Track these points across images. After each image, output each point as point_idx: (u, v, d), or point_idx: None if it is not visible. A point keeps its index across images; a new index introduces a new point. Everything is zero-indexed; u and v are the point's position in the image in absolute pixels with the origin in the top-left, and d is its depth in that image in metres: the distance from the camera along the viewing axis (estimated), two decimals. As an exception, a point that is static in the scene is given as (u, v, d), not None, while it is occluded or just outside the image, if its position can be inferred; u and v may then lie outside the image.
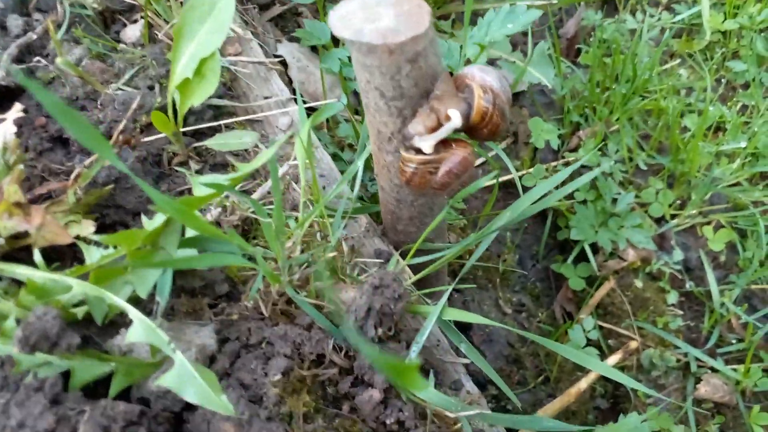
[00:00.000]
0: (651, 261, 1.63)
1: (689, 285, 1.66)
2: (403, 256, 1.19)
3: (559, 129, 1.84)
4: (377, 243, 1.18)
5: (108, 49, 1.28)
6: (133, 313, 0.79)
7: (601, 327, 1.59)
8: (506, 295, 1.73)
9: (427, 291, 1.08)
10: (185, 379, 0.74)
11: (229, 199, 1.06)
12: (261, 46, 1.46)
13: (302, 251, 1.02)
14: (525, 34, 2.21)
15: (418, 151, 0.84)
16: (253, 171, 0.93)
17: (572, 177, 1.71)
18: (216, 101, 1.26)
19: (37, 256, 0.85)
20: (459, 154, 0.86)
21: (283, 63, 1.74)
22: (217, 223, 1.06)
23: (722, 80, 2.06)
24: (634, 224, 1.63)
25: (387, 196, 1.07)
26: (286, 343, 0.90)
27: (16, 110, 1.12)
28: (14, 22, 1.26)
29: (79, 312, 0.84)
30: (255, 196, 1.10)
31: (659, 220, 1.75)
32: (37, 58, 1.25)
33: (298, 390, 0.87)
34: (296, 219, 1.06)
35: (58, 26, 1.27)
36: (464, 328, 1.61)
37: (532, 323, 1.68)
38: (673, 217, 1.73)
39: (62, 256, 0.98)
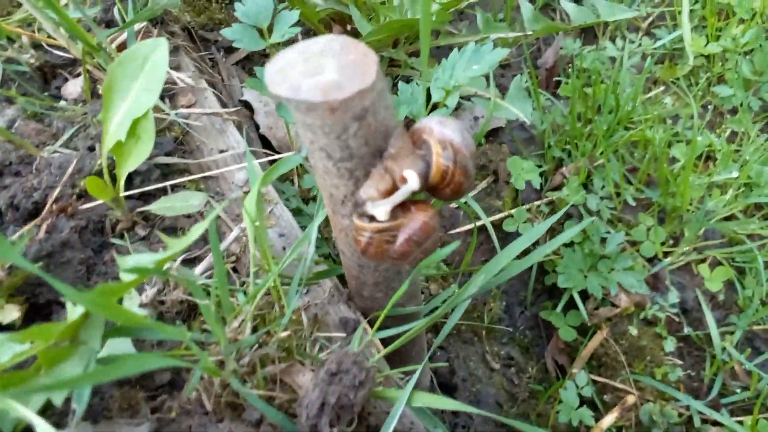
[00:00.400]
0: (645, 306, 1.52)
1: (687, 330, 1.55)
2: (372, 322, 1.09)
3: (540, 166, 1.75)
4: (343, 310, 1.07)
5: (46, 108, 1.18)
6: (41, 427, 0.67)
7: (595, 381, 1.48)
8: (494, 349, 1.61)
9: (400, 369, 0.97)
10: None
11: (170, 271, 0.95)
12: (217, 96, 1.37)
13: (255, 329, 0.91)
14: (504, 66, 2.14)
15: (372, 218, 0.74)
16: (189, 245, 0.82)
17: (559, 221, 1.62)
18: (164, 159, 1.16)
19: (-62, 359, 0.74)
20: (419, 219, 0.75)
21: (250, 108, 1.66)
22: (161, 302, 0.95)
23: (709, 106, 1.99)
24: (625, 267, 1.53)
25: (348, 261, 0.96)
26: (232, 443, 0.79)
27: (-62, 180, 1.01)
28: (-58, 82, 1.16)
29: (-14, 422, 0.72)
30: (200, 268, 1.00)
31: (652, 260, 1.65)
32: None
33: (246, 500, 0.75)
34: (245, 292, 0.95)
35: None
36: (449, 387, 1.50)
37: (522, 379, 1.56)
38: (666, 255, 1.64)
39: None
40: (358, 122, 0.71)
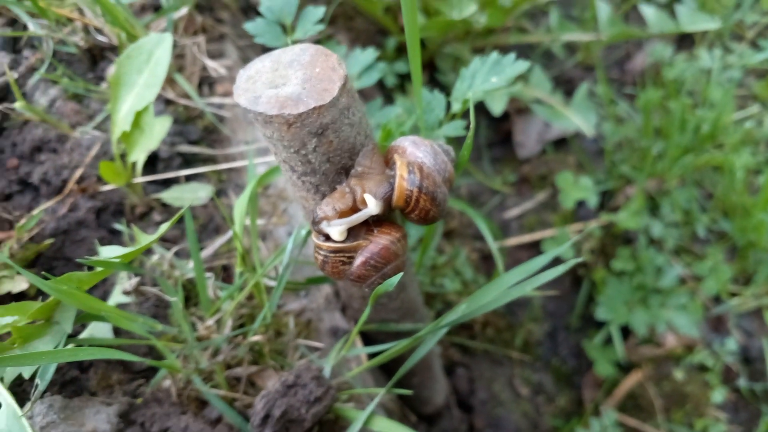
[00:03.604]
0: (696, 349, 1.43)
1: (744, 382, 1.44)
2: (364, 334, 1.11)
3: (602, 183, 1.68)
4: (336, 319, 1.11)
5: (86, 89, 1.29)
6: (3, 396, 0.76)
7: (624, 424, 1.42)
8: (524, 373, 1.59)
9: (369, 390, 0.98)
10: (32, 483, 0.70)
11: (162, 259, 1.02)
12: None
13: (242, 326, 0.96)
14: (587, 68, 2.06)
15: (328, 237, 0.76)
16: (155, 240, 0.88)
17: (614, 245, 1.55)
18: (186, 147, 1.24)
19: (-68, 322, 0.84)
20: (379, 243, 0.76)
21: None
22: (154, 283, 1.02)
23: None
24: (679, 304, 1.44)
25: (335, 271, 0.99)
26: (184, 437, 0.84)
27: (-19, 152, 1.14)
28: (1, 59, 1.30)
29: (-36, 386, 0.82)
30: (202, 254, 1.06)
31: (717, 299, 1.55)
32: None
33: (187, 495, 0.81)
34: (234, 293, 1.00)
35: (35, 67, 1.29)
36: (467, 407, 1.49)
37: (548, 410, 1.53)
38: (733, 295, 1.53)
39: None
40: (316, 138, 0.73)
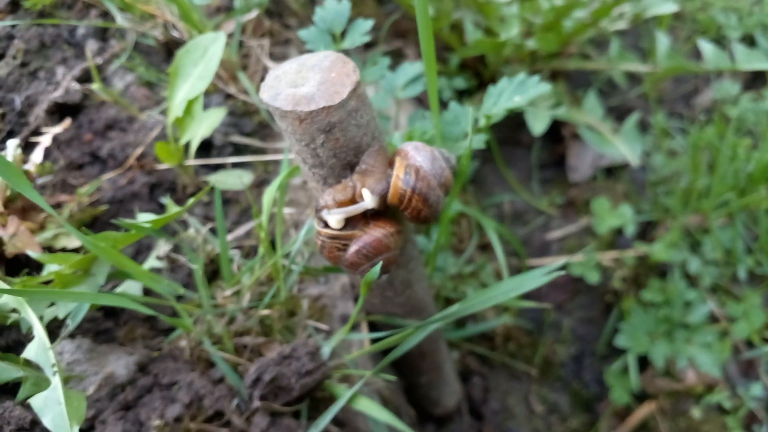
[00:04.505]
0: (717, 389, 1.42)
1: (766, 429, 1.41)
2: (370, 323, 1.18)
3: (644, 213, 1.68)
4: (349, 307, 1.19)
5: (157, 79, 1.43)
6: (36, 329, 0.88)
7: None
8: (542, 391, 1.61)
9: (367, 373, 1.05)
10: (49, 404, 0.82)
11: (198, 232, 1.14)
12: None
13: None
14: (661, 101, 2.06)
15: (327, 224, 0.84)
16: (183, 211, 0.98)
17: (646, 275, 1.56)
18: (238, 138, 1.35)
19: (-7, 262, 0.99)
20: (373, 235, 0.84)
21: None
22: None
23: None
24: (704, 342, 1.43)
25: (346, 262, 1.07)
26: (188, 391, 0.94)
27: (62, 126, 1.30)
28: (90, 46, 1.47)
29: (12, 317, 0.95)
30: (230, 236, 1.17)
31: (749, 342, 1.51)
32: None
33: (182, 441, 0.91)
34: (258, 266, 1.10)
35: (117, 55, 1.45)
36: (478, 414, 1.53)
37: (559, 429, 1.54)
38: (766, 341, 1.49)
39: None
40: (324, 134, 0.81)
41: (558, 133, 2.06)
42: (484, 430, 1.50)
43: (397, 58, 2.08)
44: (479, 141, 1.09)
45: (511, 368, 1.61)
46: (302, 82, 0.82)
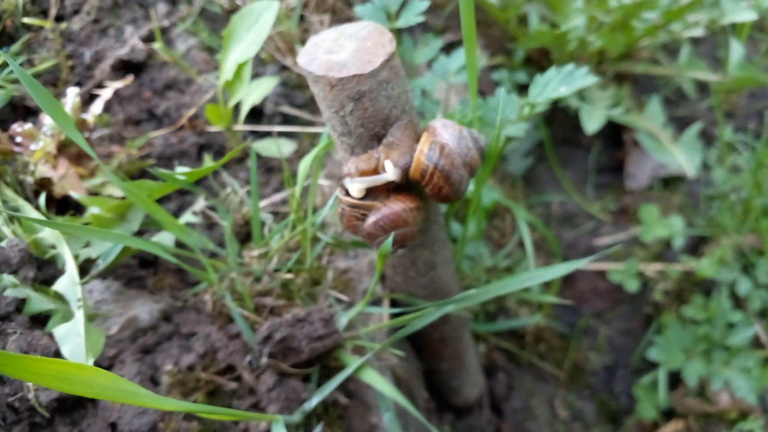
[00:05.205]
0: (751, 417, 1.35)
1: (800, 466, 1.33)
2: (393, 301, 1.18)
3: (698, 227, 1.61)
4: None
5: (219, 44, 1.47)
6: (69, 264, 0.93)
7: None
8: (568, 397, 1.57)
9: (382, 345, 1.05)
10: (70, 335, 0.86)
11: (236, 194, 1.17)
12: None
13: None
14: (730, 116, 1.96)
15: (348, 192, 0.85)
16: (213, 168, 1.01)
17: (690, 290, 1.50)
18: (288, 109, 1.38)
19: (41, 200, 1.04)
20: (392, 208, 0.84)
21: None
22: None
23: None
24: (744, 366, 1.36)
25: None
26: (204, 342, 0.97)
27: (124, 81, 1.36)
28: (160, 8, 1.52)
29: (50, 253, 1.00)
30: (265, 201, 1.19)
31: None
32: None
33: (192, 389, 0.93)
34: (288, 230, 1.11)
35: (184, 18, 1.49)
36: (499, 410, 1.51)
37: (580, 436, 1.50)
38: (812, 375, 1.41)
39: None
40: (353, 103, 0.82)
41: (619, 137, 2.00)
42: (502, 427, 1.48)
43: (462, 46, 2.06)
44: (519, 129, 1.07)
45: (539, 369, 1.58)
46: (338, 49, 0.83)
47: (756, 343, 1.44)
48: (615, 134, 2.01)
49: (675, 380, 1.44)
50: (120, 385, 0.57)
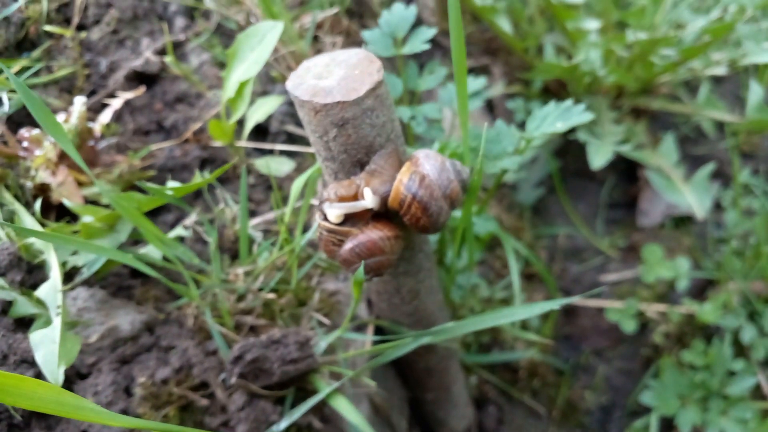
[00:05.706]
0: (746, 472, 1.30)
1: None
2: (376, 328, 1.17)
3: (705, 270, 1.57)
4: (360, 308, 1.18)
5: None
6: (53, 271, 0.94)
7: None
8: (559, 433, 1.53)
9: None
10: (45, 342, 0.87)
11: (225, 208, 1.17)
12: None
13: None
14: (747, 156, 1.92)
15: (327, 217, 0.84)
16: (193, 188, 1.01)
17: (692, 334, 1.46)
18: (293, 129, 1.38)
19: (37, 206, 1.06)
20: (369, 235, 0.83)
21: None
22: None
23: None
24: (741, 417, 1.31)
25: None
26: (182, 357, 0.97)
27: (135, 92, 1.38)
28: (178, 22, 1.55)
29: (40, 258, 1.02)
30: (257, 219, 1.19)
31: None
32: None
33: (165, 403, 0.93)
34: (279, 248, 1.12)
35: (200, 33, 1.52)
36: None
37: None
38: (815, 432, 1.35)
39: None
40: (337, 129, 0.82)
41: (634, 173, 1.97)
42: (490, 462, 1.45)
43: (481, 74, 2.06)
44: (513, 162, 1.06)
45: (531, 405, 1.54)
46: (327, 75, 0.83)
47: (756, 393, 1.39)
48: (630, 169, 1.98)
49: (668, 427, 1.39)
50: (63, 399, 0.57)
